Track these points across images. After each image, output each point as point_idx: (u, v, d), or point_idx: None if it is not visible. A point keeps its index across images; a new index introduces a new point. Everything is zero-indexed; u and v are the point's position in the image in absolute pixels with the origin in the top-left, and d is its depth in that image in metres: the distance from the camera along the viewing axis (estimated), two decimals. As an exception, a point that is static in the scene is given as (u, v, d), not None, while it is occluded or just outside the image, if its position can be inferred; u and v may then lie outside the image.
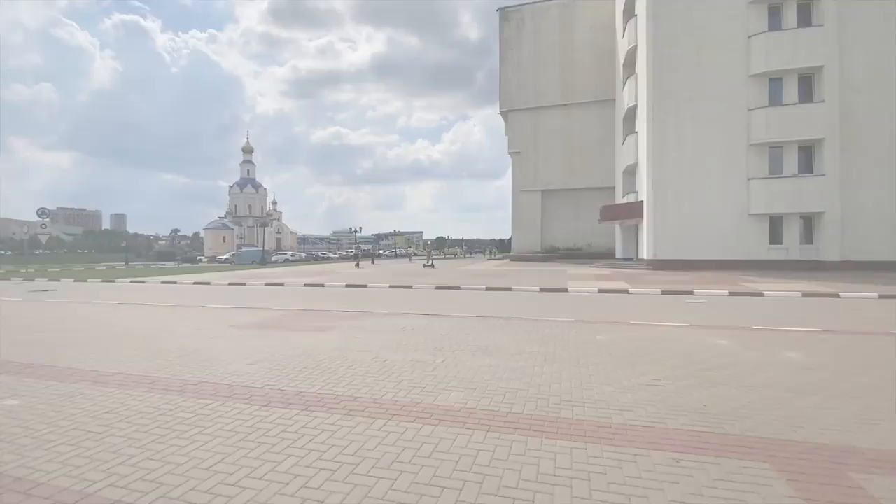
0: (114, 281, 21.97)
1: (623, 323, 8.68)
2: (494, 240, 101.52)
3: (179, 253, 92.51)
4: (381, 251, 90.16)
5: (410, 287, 16.74)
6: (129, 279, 22.65)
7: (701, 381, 4.87)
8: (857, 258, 20.44)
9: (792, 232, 21.60)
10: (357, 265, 32.62)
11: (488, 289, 15.81)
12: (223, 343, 7.08)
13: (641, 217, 24.33)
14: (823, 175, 20.74)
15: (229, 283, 19.76)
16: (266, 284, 18.98)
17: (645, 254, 23.63)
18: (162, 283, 20.86)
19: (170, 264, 52.27)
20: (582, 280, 17.89)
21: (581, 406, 4.18)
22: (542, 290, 15.30)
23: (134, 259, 64.64)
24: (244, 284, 19.27)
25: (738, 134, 21.88)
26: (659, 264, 22.61)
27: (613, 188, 34.67)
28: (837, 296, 13.00)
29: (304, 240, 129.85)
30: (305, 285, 18.35)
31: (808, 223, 21.63)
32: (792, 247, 21.53)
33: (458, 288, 16.17)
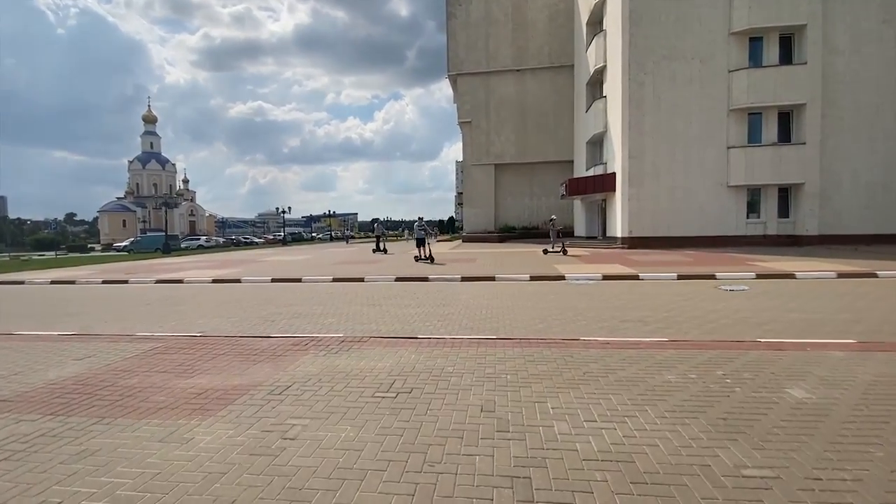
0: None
1: (729, 342, 5.51)
2: (433, 221, 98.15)
3: (71, 240, 78.86)
4: (313, 234, 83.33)
5: (362, 280, 12.74)
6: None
7: None
8: (831, 232, 19.55)
9: (769, 205, 20.31)
10: (380, 248, 23.99)
11: (465, 279, 12.28)
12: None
13: (613, 190, 21.97)
14: (804, 144, 19.45)
15: (103, 282, 14.43)
16: (158, 282, 13.97)
17: (619, 231, 21.35)
18: None
19: (49, 254, 42.87)
20: (569, 264, 14.93)
21: None
22: (532, 278, 12.07)
23: (2, 249, 53.00)
24: (125, 283, 14.08)
25: (718, 98, 19.96)
26: (635, 242, 20.44)
27: (571, 162, 32.43)
28: (875, 275, 11.10)
29: (223, 223, 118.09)
30: (214, 281, 13.62)
31: (785, 195, 20.44)
32: (770, 221, 20.26)
33: (425, 279, 12.46)
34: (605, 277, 11.86)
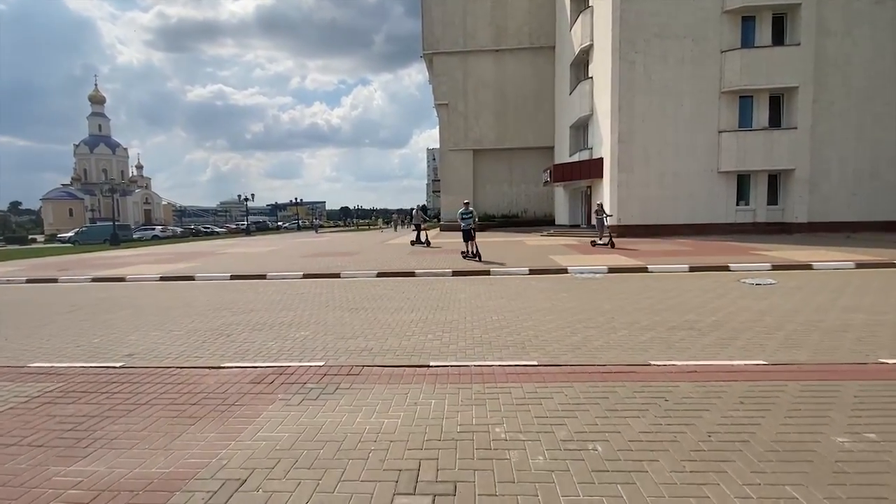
0: None
1: (852, 365, 4.33)
2: (403, 209, 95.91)
3: (13, 231, 72.30)
4: (280, 223, 79.76)
5: (338, 276, 11.11)
6: None
7: None
8: (818, 219, 19.21)
9: (759, 192, 19.78)
10: (421, 241, 18.56)
11: (456, 273, 10.87)
12: None
13: (600, 177, 20.97)
14: (795, 128, 18.91)
15: (27, 281, 12.20)
16: (94, 280, 11.87)
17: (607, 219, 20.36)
18: None
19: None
20: (566, 255, 13.76)
21: None
22: (532, 271, 10.78)
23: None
24: (54, 282, 11.92)
25: (710, 79, 19.12)
26: (622, 231, 19.50)
27: (552, 148, 31.35)
28: (894, 265, 10.41)
29: (183, 212, 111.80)
30: (162, 278, 11.66)
31: (774, 182, 19.95)
32: (759, 208, 19.75)
33: (411, 274, 10.96)
34: (612, 270, 10.71)
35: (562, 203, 28.00)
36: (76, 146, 72.58)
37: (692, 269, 10.58)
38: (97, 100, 74.16)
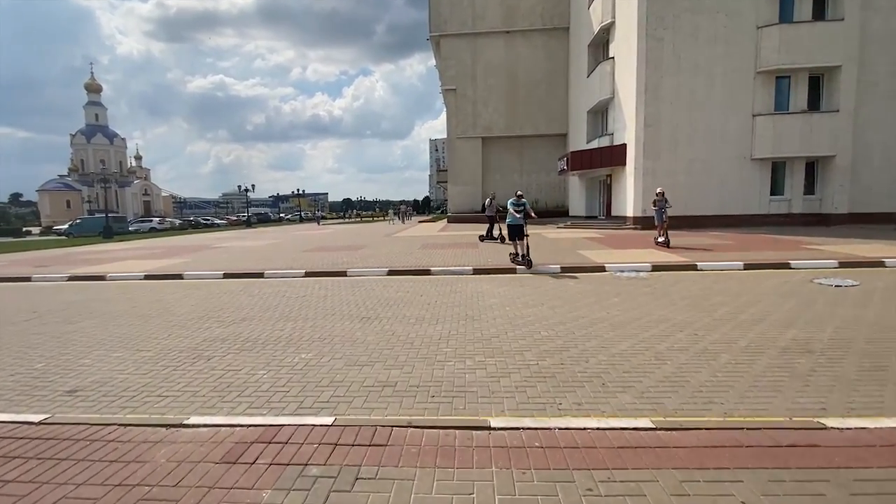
0: None
1: None
2: (405, 200, 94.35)
3: (12, 223, 71.19)
4: (282, 215, 78.46)
5: (344, 274, 9.83)
6: None
7: None
8: (860, 210, 17.79)
9: (795, 181, 18.34)
10: (493, 236, 15.40)
11: (478, 271, 9.58)
12: None
13: (622, 164, 19.55)
14: (837, 111, 17.42)
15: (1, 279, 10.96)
16: (71, 279, 10.63)
17: (629, 210, 19.03)
18: None
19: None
20: (592, 249, 12.44)
21: None
22: (564, 269, 9.48)
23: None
24: (27, 280, 10.68)
25: (744, 58, 17.60)
26: (647, 223, 18.12)
27: (564, 136, 29.89)
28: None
29: (184, 203, 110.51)
30: (147, 277, 10.40)
31: (811, 170, 18.51)
32: (795, 198, 18.33)
33: (426, 272, 9.67)
34: (656, 268, 9.40)
35: (577, 193, 26.57)
36: (73, 136, 71.04)
37: (747, 267, 9.27)
38: (93, 88, 72.44)
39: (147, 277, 10.38)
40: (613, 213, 21.48)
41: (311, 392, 3.55)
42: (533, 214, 10.86)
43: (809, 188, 18.51)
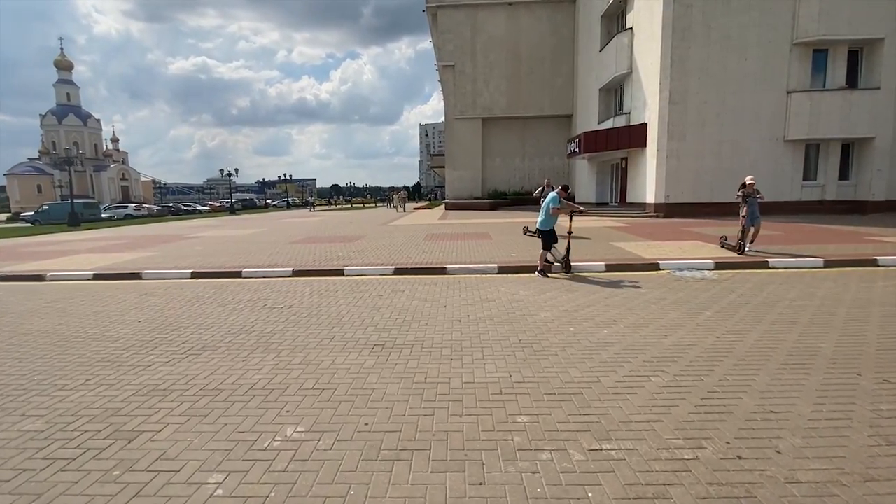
0: None
1: None
2: (395, 187, 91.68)
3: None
4: (268, 201, 75.60)
5: (341, 273, 8.01)
6: None
7: None
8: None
9: (830, 165, 16.84)
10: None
11: (503, 269, 7.86)
12: None
13: (642, 146, 17.84)
14: (878, 89, 15.87)
15: None
16: (2, 279, 8.64)
17: (649, 195, 17.40)
18: None
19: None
20: (627, 241, 10.77)
21: None
22: (609, 267, 7.80)
23: None
24: (-56, 280, 8.66)
25: (781, 28, 15.90)
26: (671, 210, 16.60)
27: (569, 117, 28.07)
28: None
29: (166, 189, 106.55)
30: (95, 277, 8.47)
31: (846, 153, 17.02)
32: (829, 184, 16.86)
33: (442, 271, 7.91)
34: (720, 265, 7.77)
35: (585, 178, 24.84)
36: (42, 116, 66.89)
37: (828, 265, 7.69)
38: (64, 66, 68.06)
39: (96, 277, 8.45)
40: (629, 199, 19.85)
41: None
42: (581, 209, 8.87)
43: (843, 173, 17.04)
